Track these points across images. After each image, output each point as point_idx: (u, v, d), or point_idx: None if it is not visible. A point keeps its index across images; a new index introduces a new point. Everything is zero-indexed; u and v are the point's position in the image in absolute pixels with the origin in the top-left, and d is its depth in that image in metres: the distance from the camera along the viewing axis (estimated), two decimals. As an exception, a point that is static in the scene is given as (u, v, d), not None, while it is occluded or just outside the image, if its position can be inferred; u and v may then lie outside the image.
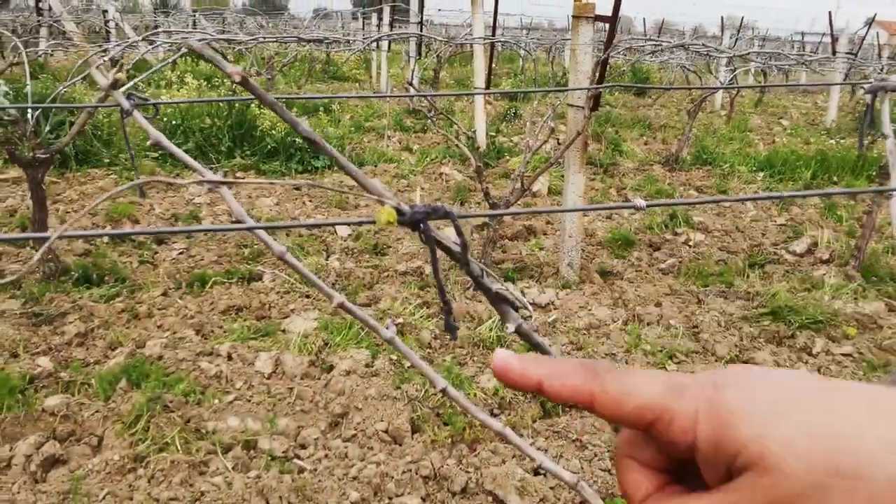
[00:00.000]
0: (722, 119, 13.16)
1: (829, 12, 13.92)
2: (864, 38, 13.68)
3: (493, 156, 8.48)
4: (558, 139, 10.22)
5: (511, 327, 0.63)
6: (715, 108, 15.26)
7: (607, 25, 4.83)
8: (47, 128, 6.25)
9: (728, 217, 6.99)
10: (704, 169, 8.87)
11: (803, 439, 0.38)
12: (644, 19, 28.10)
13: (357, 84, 17.06)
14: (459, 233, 0.66)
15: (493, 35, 9.24)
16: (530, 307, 0.59)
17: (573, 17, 4.56)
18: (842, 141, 11.19)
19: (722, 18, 19.54)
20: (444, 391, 0.81)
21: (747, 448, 0.40)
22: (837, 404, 0.40)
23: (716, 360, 4.16)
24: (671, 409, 0.44)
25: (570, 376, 0.47)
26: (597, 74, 4.47)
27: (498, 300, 0.60)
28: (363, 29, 20.01)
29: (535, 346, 0.73)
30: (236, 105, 7.76)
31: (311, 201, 6.70)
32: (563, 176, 7.75)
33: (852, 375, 4.12)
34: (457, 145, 5.25)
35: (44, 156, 4.16)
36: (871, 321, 4.80)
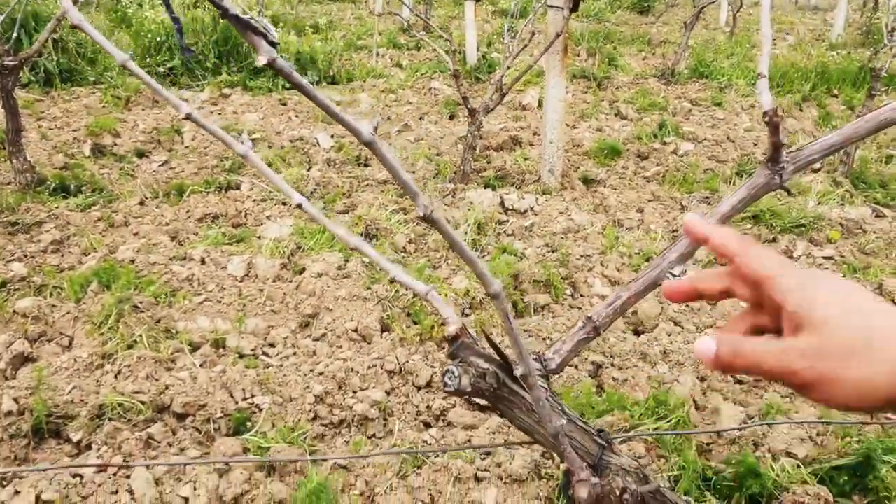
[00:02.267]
0: (725, 35, 12.87)
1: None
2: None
3: (483, 70, 8.33)
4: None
5: (263, 60, 0.59)
6: (719, 25, 14.93)
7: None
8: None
9: (721, 128, 6.88)
10: (701, 82, 8.71)
11: (854, 322, 0.63)
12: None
13: (353, 3, 16.72)
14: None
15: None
16: (276, 36, 0.55)
17: (553, -87, 4.41)
18: (846, 54, 10.95)
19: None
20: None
21: (814, 320, 0.64)
22: (867, 304, 0.64)
23: (693, 263, 4.14)
24: (778, 278, 0.67)
25: (731, 239, 0.71)
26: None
27: (244, 27, 0.56)
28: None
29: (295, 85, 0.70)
30: (221, 21, 7.61)
31: (296, 116, 6.62)
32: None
33: (831, 277, 4.08)
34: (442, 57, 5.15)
35: (12, 63, 4.10)
36: (857, 226, 4.76)
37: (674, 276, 1.14)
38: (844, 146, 1.03)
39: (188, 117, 0.82)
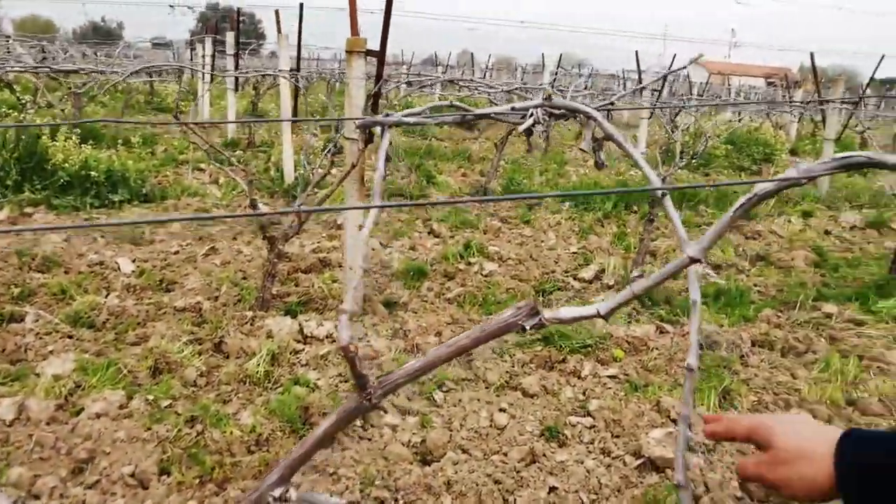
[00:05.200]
0: (540, 152, 13.68)
1: (636, 51, 14.83)
2: (665, 77, 14.61)
3: (302, 188, 8.42)
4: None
5: None
6: (537, 142, 15.85)
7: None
8: None
9: (527, 246, 7.24)
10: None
11: (793, 441, 0.99)
12: (483, 55, 28.91)
13: (181, 116, 16.61)
14: None
15: (298, 69, 9.24)
16: None
17: (346, 51, 4.62)
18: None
19: (543, 56, 20.39)
20: None
21: (774, 443, 1.01)
22: (808, 429, 1.01)
23: (486, 387, 4.27)
24: (763, 436, 1.04)
25: (741, 425, 1.10)
26: (369, 106, 4.53)
27: None
28: (191, 60, 19.52)
29: None
30: (23, 136, 7.37)
31: (102, 237, 6.43)
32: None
33: (614, 396, 4.32)
34: (246, 180, 5.17)
35: None
36: (642, 343, 5.07)
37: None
38: (427, 371, 1.14)
39: None
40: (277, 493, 1.06)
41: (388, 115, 1.51)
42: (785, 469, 0.99)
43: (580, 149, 1.44)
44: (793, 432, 1.01)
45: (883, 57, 11.58)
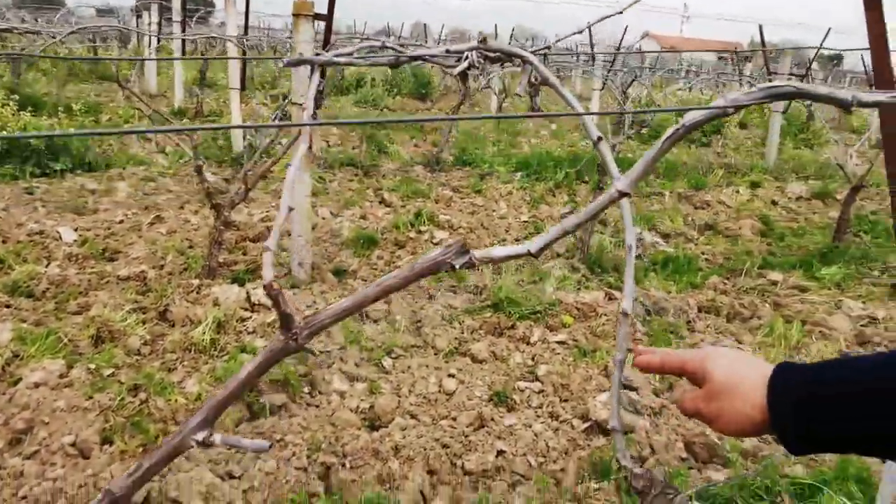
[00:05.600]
0: (493, 123, 13.64)
1: (588, 22, 14.79)
2: (619, 45, 14.68)
3: (249, 156, 8.28)
4: (329, 142, 10.21)
5: None
6: (491, 111, 15.81)
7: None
8: None
9: (479, 215, 7.23)
10: (465, 169, 9.15)
11: (727, 374, 0.99)
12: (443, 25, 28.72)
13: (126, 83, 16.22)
14: None
15: (246, 34, 9.06)
16: None
17: (293, 14, 4.53)
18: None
19: (496, 27, 20.33)
20: None
21: (711, 376, 1.00)
22: (742, 363, 1.00)
23: (435, 354, 4.26)
24: (697, 368, 1.03)
25: (673, 356, 1.08)
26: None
27: None
28: (137, 27, 19.03)
29: None
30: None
31: (43, 206, 6.26)
32: (321, 177, 7.73)
33: (562, 361, 4.34)
34: (195, 147, 5.05)
35: None
36: (591, 309, 5.10)
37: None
38: (355, 311, 1.11)
39: None
40: (200, 436, 1.03)
41: (318, 54, 1.47)
42: (718, 403, 0.97)
43: (516, 93, 1.41)
44: (727, 366, 0.99)
45: (829, 30, 11.73)
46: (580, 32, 2.76)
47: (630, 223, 1.15)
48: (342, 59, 1.51)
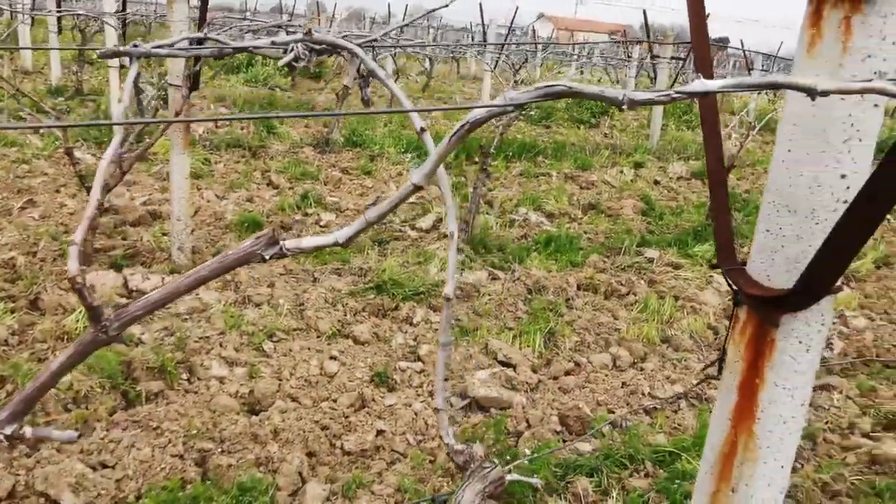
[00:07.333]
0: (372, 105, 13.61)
1: (480, 3, 14.98)
2: (510, 27, 14.87)
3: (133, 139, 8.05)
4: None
5: None
6: (384, 93, 15.75)
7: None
8: None
9: (370, 196, 7.24)
10: (355, 151, 9.13)
11: None
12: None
13: None
14: None
15: (125, 9, 8.77)
16: None
17: (167, -7, 4.43)
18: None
19: (389, 6, 20.26)
20: None
21: None
22: None
23: (318, 336, 4.28)
24: None
25: None
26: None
27: None
28: (9, 2, 18.08)
29: None
30: None
31: None
32: (206, 158, 7.58)
33: (445, 340, 4.42)
34: (64, 129, 4.89)
35: None
36: (474, 289, 5.20)
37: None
38: (166, 303, 1.14)
39: None
40: (9, 430, 1.04)
41: (135, 45, 1.46)
42: None
43: (345, 85, 1.45)
44: None
45: (708, 14, 12.17)
46: (447, 6, 2.79)
47: (453, 219, 1.20)
48: (162, 52, 1.50)
